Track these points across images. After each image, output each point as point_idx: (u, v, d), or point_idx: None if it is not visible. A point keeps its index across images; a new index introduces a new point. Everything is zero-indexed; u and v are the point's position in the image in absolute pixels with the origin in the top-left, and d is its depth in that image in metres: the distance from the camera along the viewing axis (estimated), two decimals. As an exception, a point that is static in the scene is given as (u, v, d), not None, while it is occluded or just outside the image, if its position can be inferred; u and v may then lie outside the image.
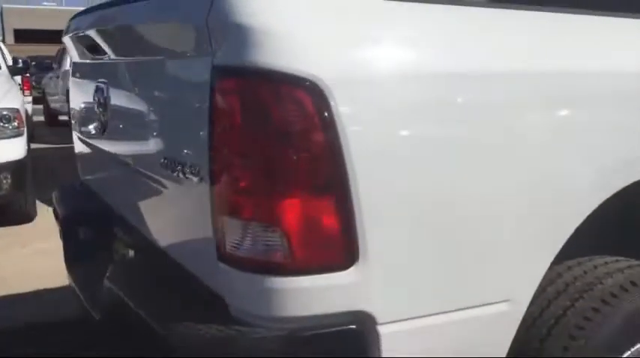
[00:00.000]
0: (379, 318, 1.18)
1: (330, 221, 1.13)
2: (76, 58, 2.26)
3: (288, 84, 1.08)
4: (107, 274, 1.54)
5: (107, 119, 1.75)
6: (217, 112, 1.13)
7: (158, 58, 1.41)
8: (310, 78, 1.08)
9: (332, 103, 1.09)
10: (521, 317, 1.37)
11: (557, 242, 1.37)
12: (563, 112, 1.36)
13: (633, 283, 1.50)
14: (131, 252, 1.74)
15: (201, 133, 1.18)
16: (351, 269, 1.15)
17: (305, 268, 1.14)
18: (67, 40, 2.19)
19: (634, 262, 1.57)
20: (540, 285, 1.39)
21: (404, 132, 1.16)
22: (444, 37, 1.24)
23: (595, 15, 1.47)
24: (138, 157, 1.58)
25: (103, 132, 1.79)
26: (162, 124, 1.42)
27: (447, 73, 1.21)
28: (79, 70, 2.25)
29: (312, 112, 1.09)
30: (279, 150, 1.11)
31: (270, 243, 1.14)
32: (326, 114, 1.09)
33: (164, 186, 1.40)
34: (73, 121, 2.35)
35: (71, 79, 2.38)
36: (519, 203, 1.31)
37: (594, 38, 1.46)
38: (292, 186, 1.11)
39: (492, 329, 1.33)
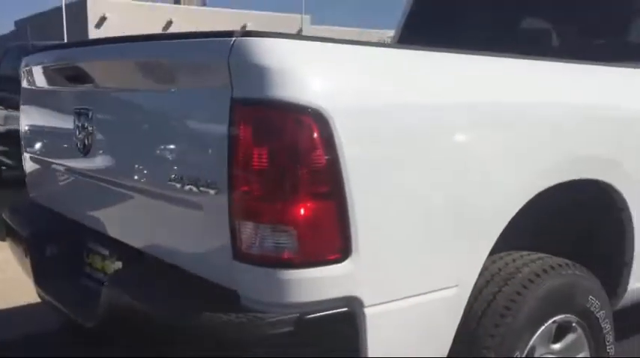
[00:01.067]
0: (365, 302, 1.47)
1: (329, 223, 1.40)
2: (37, 87, 2.38)
3: (297, 112, 1.35)
4: (106, 283, 1.71)
5: (91, 142, 1.91)
6: (237, 136, 1.38)
7: (172, 89, 1.62)
8: (315, 107, 1.35)
9: (332, 128, 1.37)
10: (466, 299, 1.71)
11: (491, 238, 1.73)
12: (494, 134, 1.73)
13: (544, 270, 1.89)
14: (118, 264, 1.90)
15: (218, 153, 1.41)
16: (346, 262, 1.43)
17: (309, 262, 1.40)
18: (31, 71, 2.32)
19: (542, 255, 1.97)
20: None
21: (385, 150, 1.47)
22: (408, 79, 1.57)
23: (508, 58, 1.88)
24: (137, 176, 1.75)
25: (85, 154, 1.95)
26: (170, 146, 1.62)
27: (411, 103, 1.54)
28: (42, 98, 2.38)
29: (316, 135, 1.37)
30: (290, 165, 1.37)
31: (280, 242, 1.39)
32: (327, 136, 1.37)
33: (170, 201, 1.61)
34: (31, 147, 2.45)
35: (26, 107, 2.48)
36: (463, 207, 1.65)
37: (506, 77, 1.86)
38: (300, 195, 1.38)
39: (448, 308, 1.66)
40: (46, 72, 2.22)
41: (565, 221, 2.03)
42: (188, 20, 38.35)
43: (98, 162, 1.92)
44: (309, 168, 1.37)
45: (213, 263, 1.51)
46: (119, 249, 1.92)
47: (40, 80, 2.32)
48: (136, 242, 1.83)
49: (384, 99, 1.49)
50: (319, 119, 1.36)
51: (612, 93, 2.19)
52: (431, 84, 1.60)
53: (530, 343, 1.87)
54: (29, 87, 2.43)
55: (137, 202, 1.79)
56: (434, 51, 1.66)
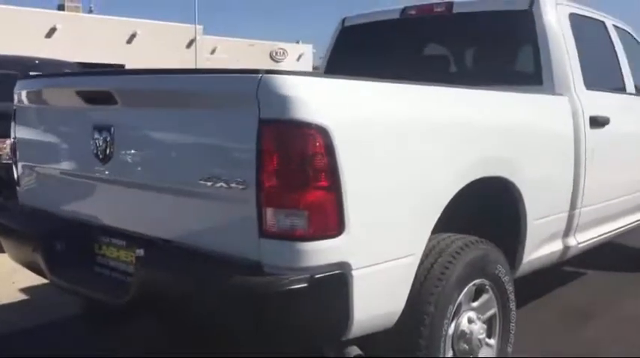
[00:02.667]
0: (353, 266, 2.02)
1: (331, 208, 1.95)
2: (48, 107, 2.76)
3: (307, 127, 1.90)
4: (138, 265, 2.16)
5: (113, 153, 2.33)
6: (264, 147, 1.90)
7: (209, 111, 2.09)
8: (322, 123, 1.91)
9: (332, 139, 1.92)
10: (416, 266, 2.31)
11: (432, 221, 2.35)
12: (432, 143, 2.36)
13: (466, 245, 2.54)
14: (139, 251, 2.31)
15: (247, 159, 1.92)
16: (340, 237, 1.98)
17: (315, 237, 1.94)
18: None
19: (465, 236, 2.61)
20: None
21: (367, 155, 2.04)
22: (380, 103, 2.16)
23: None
24: (166, 179, 2.20)
25: (105, 163, 2.36)
26: (202, 154, 2.10)
27: (382, 121, 2.13)
28: (47, 117, 2.75)
29: (320, 144, 1.91)
30: (302, 166, 1.91)
31: (295, 222, 1.93)
32: (328, 145, 1.92)
33: (199, 196, 2.08)
34: (30, 158, 2.81)
35: (26, 123, 2.85)
36: (415, 198, 2.26)
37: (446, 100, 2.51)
38: (309, 188, 1.92)
39: (404, 272, 2.25)
40: (60, 94, 2.61)
41: (480, 209, 2.68)
42: (73, 27, 37.14)
43: (122, 169, 2.34)
44: (315, 168, 1.92)
45: (240, 241, 2.00)
46: (136, 239, 2.35)
47: (50, 101, 2.69)
48: (158, 232, 2.28)
49: (366, 118, 2.07)
50: (322, 132, 1.92)
51: (509, 111, 2.90)
52: (393, 107, 2.21)
53: (458, 300, 2.51)
54: (31, 106, 2.78)
55: (162, 199, 2.24)
56: (393, 83, 2.26)
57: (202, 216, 2.14)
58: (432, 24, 3.94)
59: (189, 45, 45.11)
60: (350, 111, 2.03)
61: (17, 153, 2.91)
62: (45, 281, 4.53)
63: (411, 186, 2.24)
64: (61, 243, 2.60)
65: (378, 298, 2.16)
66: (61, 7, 41.03)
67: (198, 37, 45.06)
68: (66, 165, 2.68)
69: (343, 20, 4.29)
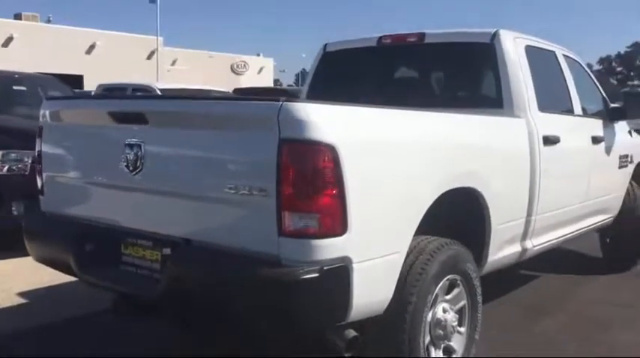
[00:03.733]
0: (353, 260, 2.45)
1: (337, 212, 2.37)
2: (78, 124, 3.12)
3: (319, 145, 2.32)
4: (168, 261, 2.54)
5: (143, 166, 2.71)
6: (283, 161, 2.31)
7: (235, 130, 2.48)
8: (330, 142, 2.33)
9: (339, 155, 2.35)
10: (402, 262, 2.75)
11: (415, 224, 2.79)
12: (416, 159, 2.81)
13: (441, 246, 2.99)
14: (166, 250, 2.69)
15: (268, 171, 2.33)
16: (344, 236, 2.40)
17: (324, 235, 2.36)
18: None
19: (439, 238, 3.05)
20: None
21: (370, 164, 2.47)
22: (377, 126, 2.61)
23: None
24: (194, 187, 2.59)
25: (135, 174, 2.74)
26: (227, 166, 2.50)
27: (378, 140, 2.57)
28: (82, 133, 3.14)
29: (329, 159, 2.34)
30: (314, 177, 2.33)
31: (308, 223, 2.34)
32: (336, 160, 2.35)
33: (224, 202, 2.48)
34: (57, 169, 3.16)
35: (54, 141, 3.20)
36: (401, 204, 2.71)
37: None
38: (321, 195, 2.34)
39: (392, 266, 2.69)
40: (92, 114, 2.98)
41: (452, 215, 3.14)
42: (31, 37, 36.74)
43: (151, 179, 2.71)
44: (325, 179, 2.34)
45: (261, 240, 2.40)
46: (161, 240, 2.73)
47: (81, 120, 3.06)
48: (183, 233, 2.66)
49: (364, 138, 2.51)
50: (331, 149, 2.34)
51: (477, 132, 3.39)
52: (385, 128, 2.66)
53: (435, 292, 2.96)
54: (60, 124, 3.13)
55: (188, 205, 2.63)
56: (385, 108, 2.71)
57: (226, 218, 2.53)
58: (405, 52, 4.43)
59: (149, 56, 45.12)
60: (352, 132, 2.46)
61: (42, 165, 3.25)
62: (39, 286, 4.88)
63: (398, 195, 2.69)
64: (90, 244, 2.96)
65: (371, 288, 2.58)
66: (17, 17, 40.47)
67: (160, 49, 45.07)
68: (95, 176, 3.04)
69: (325, 46, 4.74)
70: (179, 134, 2.67)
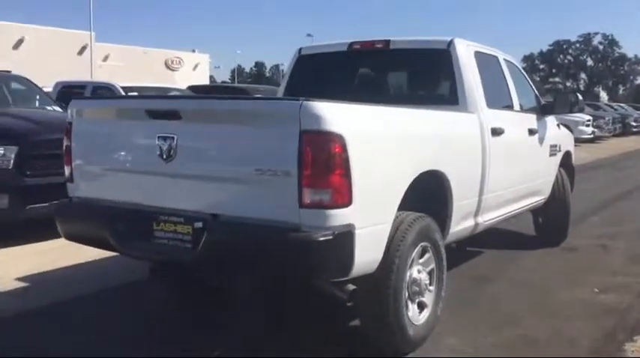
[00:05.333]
0: (356, 226, 3.08)
1: (344, 188, 3.00)
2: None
3: (331, 135, 2.95)
4: (207, 231, 3.10)
5: (175, 154, 3.25)
6: (303, 147, 2.91)
7: (261, 124, 3.05)
8: (340, 133, 2.96)
9: (346, 142, 2.98)
10: (389, 230, 3.40)
11: (398, 200, 3.46)
12: (400, 146, 3.47)
13: (416, 219, 3.66)
14: (198, 223, 3.23)
15: (291, 156, 2.93)
16: (349, 207, 3.04)
17: (335, 206, 2.99)
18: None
19: (415, 212, 3.72)
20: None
21: (368, 150, 3.11)
22: (374, 119, 3.25)
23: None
24: (225, 170, 3.14)
25: (168, 162, 3.27)
26: (257, 153, 3.06)
27: (374, 132, 3.22)
28: (115, 127, 3.64)
29: (339, 146, 2.96)
30: (327, 160, 2.95)
31: (323, 197, 2.96)
32: (344, 146, 2.98)
33: (253, 182, 3.05)
34: (92, 159, 3.65)
35: (89, 134, 3.69)
36: (389, 182, 3.36)
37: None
38: (332, 174, 2.96)
39: (382, 233, 3.34)
40: (126, 111, 3.49)
41: (425, 193, 3.82)
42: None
43: (183, 165, 3.25)
44: (335, 161, 2.96)
45: (284, 211, 3.00)
46: (192, 216, 3.28)
47: (114, 116, 3.56)
48: (213, 209, 3.21)
49: (365, 129, 3.15)
50: (340, 138, 2.96)
51: (442, 125, 4.09)
52: (378, 122, 3.31)
53: (412, 256, 3.63)
54: (91, 120, 3.62)
55: (219, 185, 3.19)
56: (377, 106, 3.36)
57: (252, 196, 3.11)
58: (373, 56, 5.09)
59: (80, 52, 44.24)
60: (355, 124, 3.09)
61: (72, 156, 3.72)
62: (37, 271, 5.28)
63: (386, 175, 3.35)
64: (124, 223, 3.47)
65: (368, 249, 3.22)
66: None
67: (92, 44, 44.23)
68: (127, 164, 3.54)
69: (300, 49, 5.35)
70: (209, 127, 3.23)
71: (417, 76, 5.05)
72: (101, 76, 33.53)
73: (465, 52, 4.69)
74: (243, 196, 3.15)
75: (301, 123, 2.93)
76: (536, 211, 6.48)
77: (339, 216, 3.01)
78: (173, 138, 3.27)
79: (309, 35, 70.94)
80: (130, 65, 43.52)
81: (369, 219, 3.20)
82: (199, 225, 3.23)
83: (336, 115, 3.00)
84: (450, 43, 4.67)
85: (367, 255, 3.24)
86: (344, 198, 3.01)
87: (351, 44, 5.10)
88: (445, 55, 4.65)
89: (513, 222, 6.38)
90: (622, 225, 7.93)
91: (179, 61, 53.80)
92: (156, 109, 3.37)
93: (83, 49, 44.31)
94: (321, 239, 2.93)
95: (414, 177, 3.59)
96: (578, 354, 3.82)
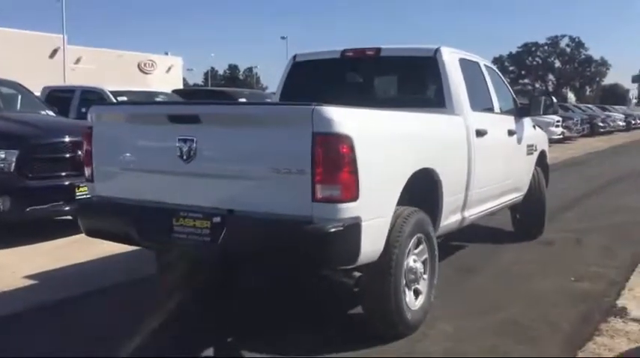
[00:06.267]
0: (362, 219, 3.41)
1: (352, 184, 3.33)
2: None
3: (340, 136, 3.28)
4: (227, 225, 3.41)
5: (195, 155, 3.54)
6: (315, 148, 3.23)
7: (277, 126, 3.36)
8: (348, 134, 3.29)
9: (354, 143, 3.31)
10: (389, 222, 3.74)
11: (397, 196, 3.80)
12: (399, 146, 3.82)
13: (412, 212, 4.01)
14: (216, 219, 3.52)
15: (305, 155, 3.25)
16: (356, 201, 3.37)
17: (344, 201, 3.32)
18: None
19: (410, 207, 4.07)
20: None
21: (372, 150, 3.45)
22: (378, 122, 3.59)
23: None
24: (242, 170, 3.44)
25: (188, 162, 3.56)
26: (272, 153, 3.37)
27: (379, 134, 3.56)
28: (136, 131, 3.92)
29: (348, 146, 3.29)
30: (338, 159, 3.28)
31: (333, 192, 3.29)
32: (351, 146, 3.31)
33: (270, 180, 3.36)
34: (114, 160, 3.93)
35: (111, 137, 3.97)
36: (390, 179, 3.71)
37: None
38: (342, 172, 3.29)
39: (384, 225, 3.68)
40: (148, 116, 3.78)
41: (420, 188, 4.17)
42: None
43: (203, 166, 3.54)
44: (344, 160, 3.29)
45: (298, 205, 3.31)
46: (210, 212, 3.57)
47: (136, 121, 3.84)
48: (229, 205, 3.51)
49: (369, 131, 3.48)
50: (348, 139, 3.29)
51: (434, 126, 4.45)
52: (381, 124, 3.65)
53: (409, 246, 3.98)
54: (113, 124, 3.90)
55: (237, 183, 3.49)
56: (381, 110, 3.71)
57: (267, 192, 3.41)
58: (365, 63, 5.44)
59: (52, 55, 43.91)
60: (361, 127, 3.43)
61: (93, 158, 3.99)
62: (43, 269, 5.51)
63: (387, 173, 3.69)
64: (147, 219, 3.75)
65: (371, 240, 3.55)
66: None
67: (64, 47, 43.94)
68: (147, 164, 3.82)
69: (294, 56, 5.67)
70: (227, 130, 3.54)
71: (406, 81, 5.41)
72: (74, 79, 33.35)
73: (450, 59, 5.06)
74: (259, 193, 3.45)
75: (314, 126, 3.25)
76: (514, 208, 6.89)
77: (348, 210, 3.34)
78: (193, 140, 3.57)
79: (282, 38, 71.60)
80: (103, 68, 43.27)
81: (373, 213, 3.53)
82: (217, 220, 3.53)
83: (344, 119, 3.32)
84: (437, 51, 5.03)
85: (371, 244, 3.57)
86: (352, 193, 3.34)
87: (344, 51, 5.44)
88: (432, 62, 5.01)
89: (494, 218, 6.77)
90: (595, 221, 8.39)
91: (152, 64, 53.55)
92: (177, 114, 3.66)
93: (55, 51, 43.99)
94: (333, 230, 3.26)
95: (411, 174, 3.94)
96: (560, 334, 4.20)
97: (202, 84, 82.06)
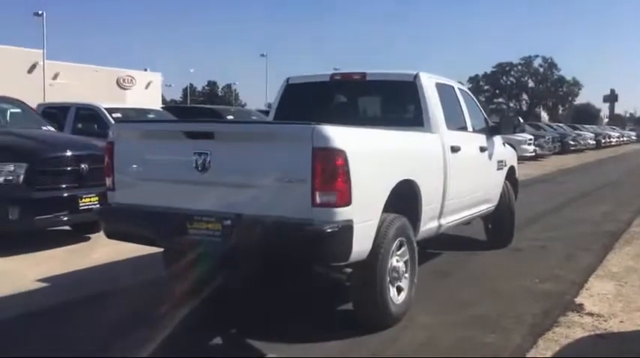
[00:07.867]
0: (354, 222, 3.99)
1: (346, 192, 3.91)
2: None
3: (336, 151, 3.86)
4: (237, 226, 3.95)
5: (209, 166, 4.08)
6: (315, 161, 3.81)
7: (281, 142, 3.93)
8: (343, 149, 3.87)
9: (348, 156, 3.89)
10: (376, 226, 4.32)
11: (382, 203, 4.38)
12: (384, 160, 4.41)
13: (395, 218, 4.60)
14: (227, 222, 4.06)
15: (305, 168, 3.82)
16: (350, 206, 3.95)
17: (339, 206, 3.89)
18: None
19: (393, 213, 4.66)
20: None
21: (363, 163, 4.03)
22: (369, 139, 4.19)
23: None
24: (249, 179, 3.99)
25: (203, 172, 4.10)
26: (275, 166, 3.93)
27: (370, 150, 4.15)
28: (155, 145, 4.45)
29: (342, 159, 3.87)
30: (334, 170, 3.86)
31: (330, 198, 3.86)
32: (345, 159, 3.89)
33: (274, 188, 3.92)
34: (133, 171, 4.45)
35: (133, 150, 4.49)
36: (376, 188, 4.29)
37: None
38: (337, 181, 3.87)
39: (372, 228, 4.26)
40: (166, 133, 4.32)
41: (402, 197, 4.75)
42: None
43: (216, 175, 4.09)
44: (339, 171, 3.86)
45: (299, 210, 3.87)
46: (221, 216, 4.11)
47: (155, 137, 4.38)
48: (238, 210, 4.05)
49: (360, 146, 4.06)
50: (343, 154, 3.87)
51: (415, 143, 5.06)
52: (370, 141, 4.24)
53: (393, 247, 4.56)
54: (134, 139, 4.43)
55: (245, 191, 4.04)
56: (370, 128, 4.29)
57: (271, 199, 3.97)
58: (351, 86, 6.05)
59: (30, 70, 44.01)
60: (353, 143, 4.01)
61: (114, 170, 4.51)
62: (52, 274, 5.96)
63: (375, 182, 4.27)
64: (164, 222, 4.27)
65: (361, 240, 4.12)
66: None
67: (41, 63, 44.07)
68: (165, 175, 4.35)
69: (287, 79, 6.27)
70: (238, 144, 4.10)
71: (389, 102, 6.04)
72: (53, 95, 33.56)
73: (428, 83, 5.69)
74: (264, 199, 4.00)
75: (313, 142, 3.83)
76: (486, 218, 7.53)
77: (342, 213, 3.91)
78: (207, 153, 4.12)
79: (262, 55, 72.14)
80: (82, 83, 43.36)
81: (363, 217, 4.11)
82: (228, 222, 4.08)
83: (339, 136, 3.91)
84: (416, 76, 5.66)
85: (361, 244, 4.14)
86: (346, 199, 3.91)
87: (332, 75, 6.05)
88: (412, 86, 5.64)
89: (468, 227, 7.39)
90: (559, 230, 9.09)
91: (131, 80, 53.67)
92: (193, 131, 4.22)
93: (33, 66, 44.12)
94: (330, 230, 3.82)
95: (395, 184, 4.53)
96: (524, 326, 4.80)
97: (181, 100, 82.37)
